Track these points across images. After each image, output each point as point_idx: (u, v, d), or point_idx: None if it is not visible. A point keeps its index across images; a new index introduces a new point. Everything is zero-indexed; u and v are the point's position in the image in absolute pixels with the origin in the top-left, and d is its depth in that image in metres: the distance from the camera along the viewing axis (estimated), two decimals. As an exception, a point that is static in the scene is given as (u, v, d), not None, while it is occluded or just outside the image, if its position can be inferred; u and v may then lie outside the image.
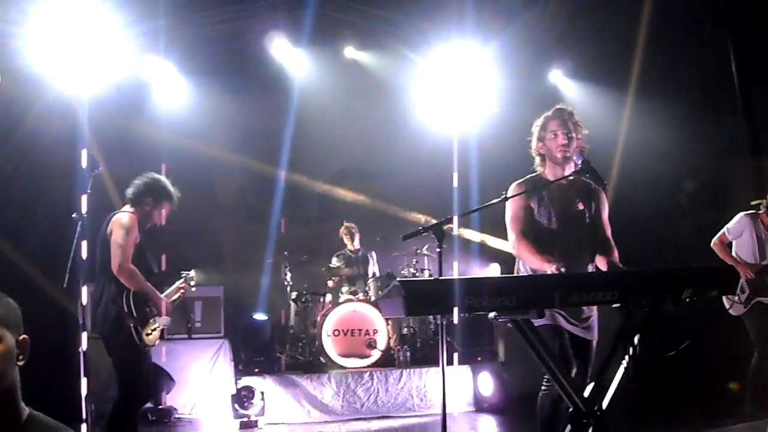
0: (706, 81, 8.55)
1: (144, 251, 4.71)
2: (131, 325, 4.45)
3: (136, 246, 4.59)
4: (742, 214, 6.07)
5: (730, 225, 6.08)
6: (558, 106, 4.09)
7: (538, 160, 4.13)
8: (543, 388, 3.88)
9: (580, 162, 3.76)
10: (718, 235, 6.13)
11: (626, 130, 8.78)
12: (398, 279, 7.45)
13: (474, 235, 9.53)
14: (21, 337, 1.96)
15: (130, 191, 4.80)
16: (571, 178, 3.95)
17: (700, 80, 8.58)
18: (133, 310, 4.48)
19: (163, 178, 4.84)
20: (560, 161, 3.98)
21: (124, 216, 4.64)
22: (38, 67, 6.28)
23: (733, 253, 6.09)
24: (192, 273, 5.25)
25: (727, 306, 6.01)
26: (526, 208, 3.96)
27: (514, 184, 4.03)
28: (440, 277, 3.28)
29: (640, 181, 8.31)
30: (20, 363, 1.95)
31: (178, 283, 5.08)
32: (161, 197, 4.82)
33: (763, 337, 5.84)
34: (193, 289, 5.30)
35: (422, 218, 9.63)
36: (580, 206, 4.01)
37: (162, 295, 4.79)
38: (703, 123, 8.23)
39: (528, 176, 4.11)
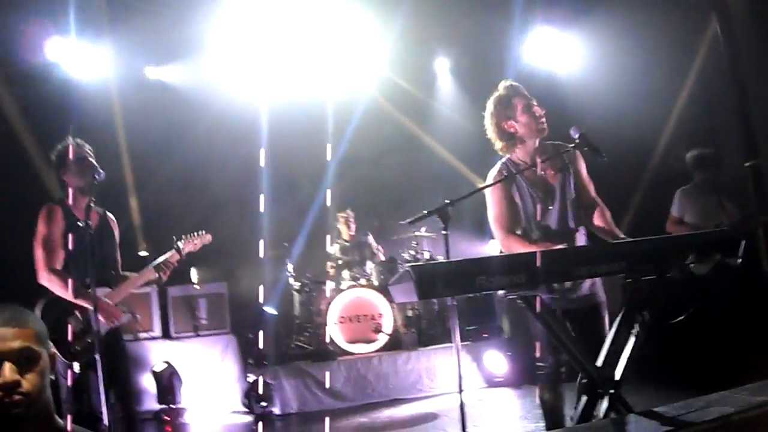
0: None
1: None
2: None
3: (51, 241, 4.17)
4: (678, 191, 6.47)
5: (673, 207, 6.48)
6: (508, 83, 3.97)
7: (501, 143, 3.97)
8: (541, 374, 3.86)
9: (576, 136, 3.75)
10: (668, 219, 6.51)
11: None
12: (409, 264, 7.50)
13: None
14: (50, 351, 1.99)
15: None
16: (544, 161, 3.83)
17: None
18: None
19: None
20: (540, 133, 3.89)
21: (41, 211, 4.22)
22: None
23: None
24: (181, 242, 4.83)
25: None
26: (508, 198, 3.86)
27: (490, 174, 3.94)
28: (450, 259, 3.31)
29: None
30: (51, 377, 1.98)
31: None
32: (61, 160, 4.25)
33: None
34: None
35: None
36: (560, 177, 3.93)
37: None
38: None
39: (498, 163, 3.99)
